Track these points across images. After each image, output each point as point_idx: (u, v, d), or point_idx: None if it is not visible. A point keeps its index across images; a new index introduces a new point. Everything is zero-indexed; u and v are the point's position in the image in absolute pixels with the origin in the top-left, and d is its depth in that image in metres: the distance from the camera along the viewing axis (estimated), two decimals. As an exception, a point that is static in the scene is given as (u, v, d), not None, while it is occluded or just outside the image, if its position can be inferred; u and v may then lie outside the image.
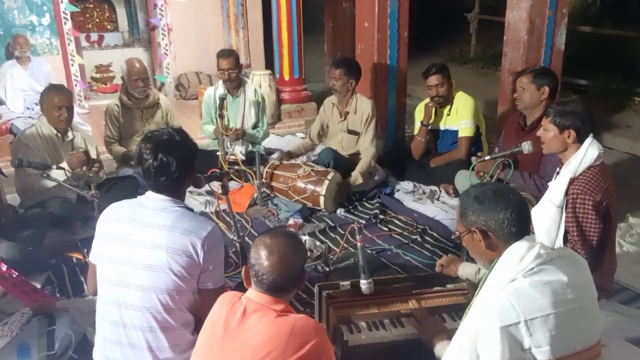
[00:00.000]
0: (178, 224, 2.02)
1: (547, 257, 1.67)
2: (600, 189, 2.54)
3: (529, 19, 4.22)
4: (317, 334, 1.70)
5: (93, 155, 3.89)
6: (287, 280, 1.72)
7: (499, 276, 1.69)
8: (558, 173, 2.72)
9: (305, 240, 3.32)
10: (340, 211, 4.14)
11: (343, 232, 3.69)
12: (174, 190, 2.12)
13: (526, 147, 3.13)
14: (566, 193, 2.59)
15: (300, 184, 4.12)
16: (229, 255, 3.06)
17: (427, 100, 4.48)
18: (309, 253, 3.27)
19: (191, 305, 2.11)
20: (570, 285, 1.64)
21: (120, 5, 8.72)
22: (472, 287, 2.32)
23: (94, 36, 8.53)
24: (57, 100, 3.67)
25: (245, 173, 4.34)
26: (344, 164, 4.40)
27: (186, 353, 2.03)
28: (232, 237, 2.98)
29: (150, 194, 2.12)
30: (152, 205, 2.08)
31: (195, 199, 4.19)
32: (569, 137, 2.61)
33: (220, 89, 4.77)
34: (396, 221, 3.97)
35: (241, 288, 1.87)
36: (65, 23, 6.91)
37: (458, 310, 2.29)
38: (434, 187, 4.45)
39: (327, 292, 2.35)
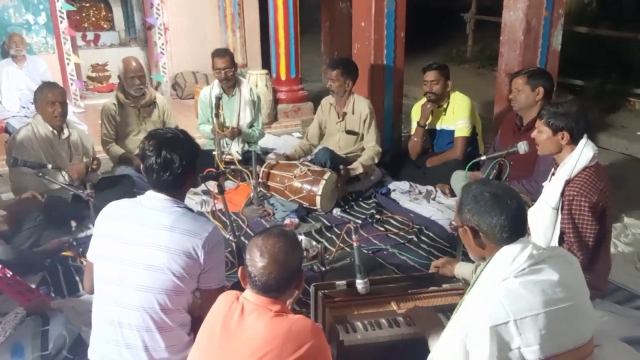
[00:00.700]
0: (178, 224, 2.02)
1: (539, 257, 1.68)
2: (596, 190, 2.54)
3: (525, 19, 4.22)
4: (315, 336, 1.69)
5: (90, 153, 3.88)
6: (279, 281, 1.70)
7: (491, 275, 1.70)
8: (553, 174, 2.72)
9: (301, 240, 3.32)
10: (337, 211, 4.14)
11: (339, 232, 3.69)
12: (176, 188, 2.11)
13: (522, 147, 3.13)
14: (562, 194, 2.59)
15: (297, 183, 4.11)
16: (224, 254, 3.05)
17: (424, 100, 4.49)
18: (305, 253, 3.27)
19: (189, 306, 2.11)
20: (561, 284, 1.65)
21: (116, 4, 8.70)
22: (468, 286, 2.32)
23: (90, 35, 8.51)
24: (50, 96, 3.66)
25: (242, 172, 4.34)
26: (340, 164, 4.40)
27: (182, 353, 2.03)
28: (228, 236, 2.98)
29: (150, 193, 2.11)
30: (152, 204, 2.07)
31: (191, 198, 4.18)
32: (562, 138, 2.61)
33: (215, 88, 4.77)
34: (392, 221, 3.98)
35: (238, 287, 1.86)
36: (61, 22, 6.88)
37: (453, 310, 2.29)
38: (430, 187, 4.46)
39: (323, 291, 2.35)
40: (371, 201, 4.31)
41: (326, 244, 3.53)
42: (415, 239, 3.69)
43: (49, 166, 3.45)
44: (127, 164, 4.43)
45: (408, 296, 2.39)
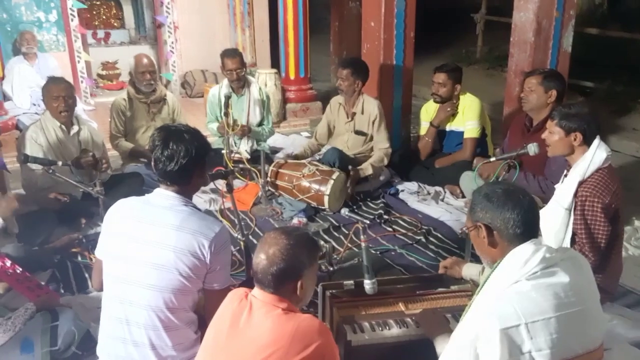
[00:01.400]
0: (186, 223, 2.02)
1: (551, 260, 1.66)
2: (609, 192, 2.52)
3: (536, 20, 4.20)
4: (322, 335, 1.68)
5: (100, 149, 3.89)
6: (279, 279, 1.69)
7: (502, 277, 1.68)
8: (566, 175, 2.70)
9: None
10: (345, 211, 4.14)
11: (347, 232, 3.69)
12: (182, 181, 2.09)
13: (532, 148, 3.11)
14: (575, 195, 2.57)
15: (305, 183, 4.11)
16: (232, 253, 3.06)
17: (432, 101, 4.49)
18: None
19: (195, 305, 2.11)
20: (572, 287, 1.63)
21: (126, 2, 8.76)
22: (476, 288, 2.31)
23: (101, 33, 8.57)
24: (54, 90, 3.67)
25: (250, 171, 4.34)
26: (349, 164, 4.39)
27: (189, 351, 2.04)
28: (236, 235, 2.99)
29: (158, 190, 2.11)
30: (160, 203, 2.08)
31: (199, 196, 4.19)
32: (575, 140, 2.59)
33: (224, 87, 4.77)
34: (400, 221, 3.97)
35: (245, 286, 1.87)
36: (72, 20, 6.92)
37: (462, 312, 2.28)
38: (438, 188, 4.45)
39: (330, 291, 2.35)
40: (379, 201, 4.31)
41: (334, 243, 3.53)
42: (423, 239, 3.67)
43: (59, 163, 3.47)
44: (137, 158, 4.45)
45: (416, 297, 2.38)
